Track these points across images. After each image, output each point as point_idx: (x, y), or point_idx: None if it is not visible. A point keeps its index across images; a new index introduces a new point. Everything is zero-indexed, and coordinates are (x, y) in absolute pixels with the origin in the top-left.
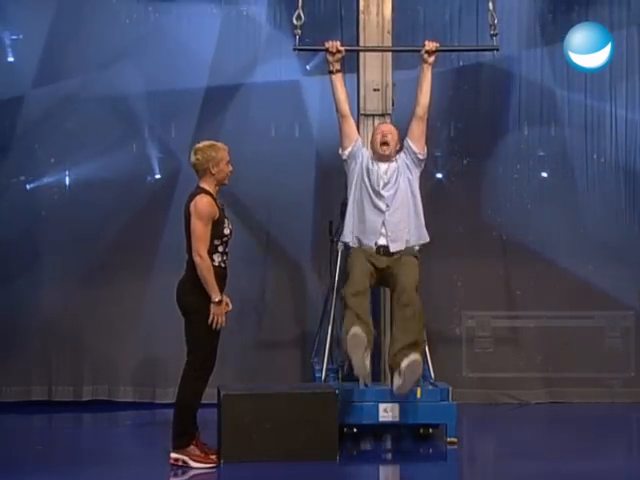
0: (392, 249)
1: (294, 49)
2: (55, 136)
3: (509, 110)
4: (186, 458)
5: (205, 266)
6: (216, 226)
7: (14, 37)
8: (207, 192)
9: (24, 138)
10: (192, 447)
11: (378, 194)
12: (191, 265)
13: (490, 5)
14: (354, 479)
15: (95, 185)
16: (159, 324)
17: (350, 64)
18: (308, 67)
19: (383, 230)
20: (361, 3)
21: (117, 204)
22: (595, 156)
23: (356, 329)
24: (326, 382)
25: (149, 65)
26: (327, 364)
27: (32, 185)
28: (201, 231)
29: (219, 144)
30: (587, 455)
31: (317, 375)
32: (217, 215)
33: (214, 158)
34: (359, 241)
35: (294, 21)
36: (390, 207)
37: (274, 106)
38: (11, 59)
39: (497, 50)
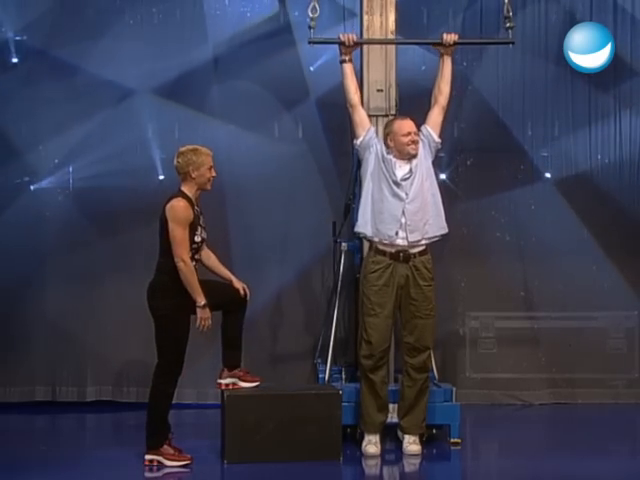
0: (410, 239)
1: (309, 42)
2: (59, 137)
3: (513, 110)
4: (160, 458)
5: (189, 270)
6: (188, 230)
7: (18, 38)
8: (185, 196)
9: (28, 139)
10: (165, 447)
11: (396, 183)
12: (161, 268)
13: None
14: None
15: (99, 186)
16: None
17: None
18: (312, 68)
19: (403, 219)
20: (365, 3)
21: (121, 205)
22: (599, 156)
23: (372, 448)
24: (330, 383)
25: (152, 65)
26: (331, 365)
27: (36, 186)
28: (180, 235)
29: (202, 149)
30: (591, 456)
31: (321, 376)
32: (191, 219)
33: (194, 162)
34: (377, 231)
35: (309, 13)
36: (409, 195)
37: (278, 105)
38: (15, 60)
39: (513, 44)
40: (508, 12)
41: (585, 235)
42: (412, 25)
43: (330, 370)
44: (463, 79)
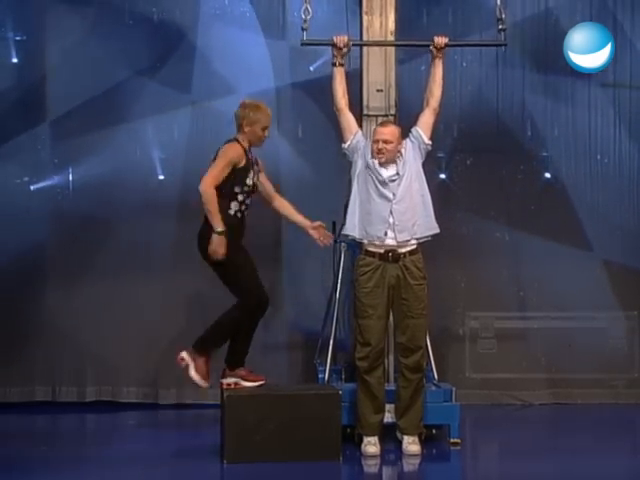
0: (399, 239)
1: (302, 44)
2: (59, 137)
3: (513, 110)
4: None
5: (208, 196)
6: (240, 172)
7: (18, 38)
8: (240, 143)
9: (28, 139)
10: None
11: (383, 182)
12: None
13: (498, 0)
14: None
15: (98, 186)
16: (163, 325)
17: (354, 65)
18: (312, 68)
19: (391, 219)
20: (364, 3)
21: (121, 205)
22: (599, 157)
23: (372, 448)
24: (329, 383)
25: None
26: (330, 365)
27: (36, 186)
28: (219, 169)
29: (263, 107)
30: (591, 456)
31: (320, 376)
32: (244, 162)
33: (250, 118)
34: (366, 232)
35: (302, 15)
36: (396, 196)
37: (276, 107)
38: (15, 60)
39: (505, 45)
40: (501, 14)
41: (585, 235)
42: (412, 25)
43: (330, 370)
44: (463, 79)
